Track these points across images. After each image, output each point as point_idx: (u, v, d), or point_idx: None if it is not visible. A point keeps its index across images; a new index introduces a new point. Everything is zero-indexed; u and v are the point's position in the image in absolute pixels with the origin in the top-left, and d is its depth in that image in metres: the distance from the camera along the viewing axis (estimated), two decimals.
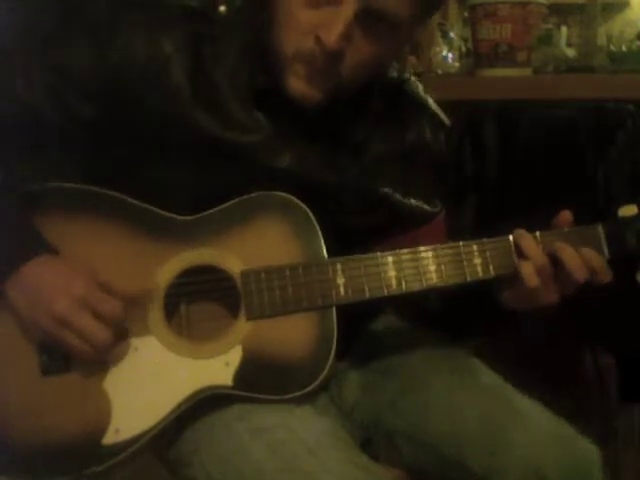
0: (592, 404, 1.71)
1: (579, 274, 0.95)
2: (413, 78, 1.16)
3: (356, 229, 1.06)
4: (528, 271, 0.95)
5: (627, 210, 1.00)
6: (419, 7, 0.94)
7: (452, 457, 1.04)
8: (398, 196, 1.11)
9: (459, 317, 1.13)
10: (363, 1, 0.89)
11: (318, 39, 0.90)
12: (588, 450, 1.03)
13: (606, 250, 0.98)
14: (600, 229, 0.99)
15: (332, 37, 0.89)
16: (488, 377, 1.10)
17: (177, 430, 0.98)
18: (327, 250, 0.98)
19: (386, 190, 1.10)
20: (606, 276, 0.96)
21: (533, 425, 1.03)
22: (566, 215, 1.00)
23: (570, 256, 0.95)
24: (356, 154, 1.07)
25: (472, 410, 1.05)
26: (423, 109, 1.14)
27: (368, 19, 0.90)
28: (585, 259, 0.96)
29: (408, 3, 0.91)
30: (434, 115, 1.15)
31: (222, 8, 1.05)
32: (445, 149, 1.16)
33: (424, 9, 0.96)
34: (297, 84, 0.95)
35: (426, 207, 1.14)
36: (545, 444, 1.01)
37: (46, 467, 0.94)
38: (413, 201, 1.13)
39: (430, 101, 1.15)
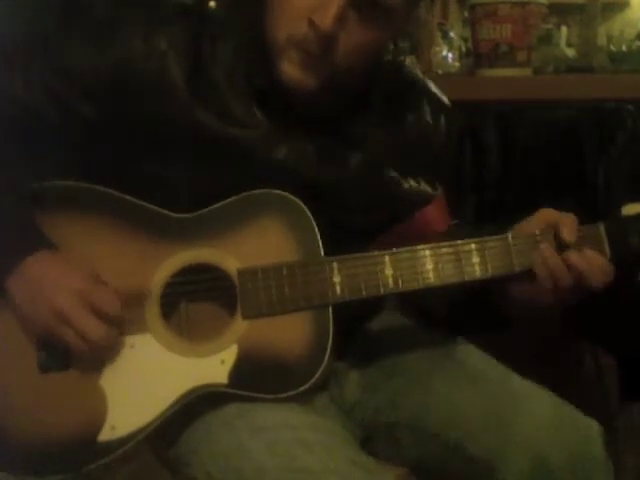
0: (592, 404, 1.70)
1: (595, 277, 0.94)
2: (409, 60, 1.15)
3: (357, 221, 1.06)
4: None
5: (631, 209, 0.98)
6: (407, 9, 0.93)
7: (454, 445, 1.03)
8: (399, 182, 1.10)
9: (461, 319, 1.13)
10: None
11: (312, 23, 0.89)
12: (589, 428, 1.02)
13: (608, 250, 0.97)
14: (602, 228, 0.97)
15: (326, 20, 0.88)
16: (486, 362, 1.10)
17: (176, 429, 0.98)
18: (327, 244, 0.98)
19: (387, 178, 1.09)
20: (607, 276, 0.95)
21: (533, 409, 1.02)
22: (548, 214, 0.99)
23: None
24: (355, 144, 1.06)
25: (472, 397, 1.05)
26: (422, 91, 1.13)
27: (362, 3, 0.89)
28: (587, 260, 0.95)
29: None
30: (434, 97, 1.14)
31: (212, 4, 1.05)
32: (446, 131, 1.15)
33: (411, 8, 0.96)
34: (291, 70, 0.94)
35: (428, 189, 1.13)
36: (545, 427, 1.00)
37: (43, 464, 0.94)
38: (414, 184, 1.12)
39: (429, 83, 1.15)
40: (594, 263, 0.94)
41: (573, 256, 0.94)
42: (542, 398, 1.04)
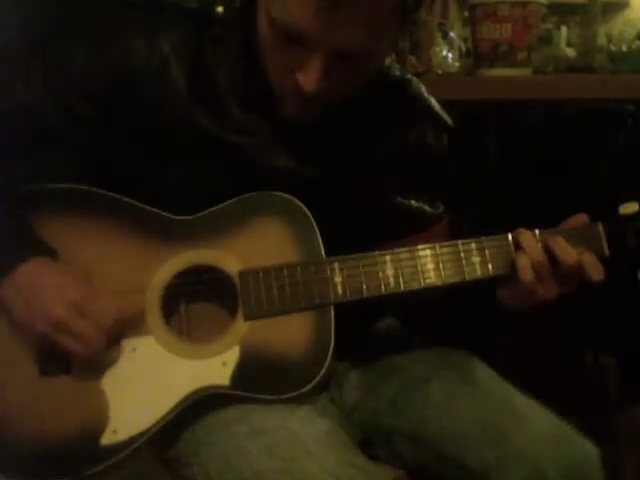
0: (592, 404, 1.70)
1: (571, 262, 0.95)
2: (416, 79, 1.15)
3: (355, 231, 1.06)
4: (524, 264, 0.95)
5: (628, 208, 0.99)
6: (391, 28, 0.91)
7: (451, 456, 1.03)
8: (399, 198, 1.11)
9: (461, 320, 1.13)
10: (332, 46, 0.87)
11: (297, 82, 0.90)
12: (587, 449, 1.03)
13: (606, 248, 0.98)
14: (600, 227, 0.98)
15: (309, 85, 0.89)
16: (487, 376, 1.10)
17: (176, 430, 0.98)
18: (327, 247, 0.98)
19: (386, 191, 1.10)
20: (597, 274, 0.96)
21: (532, 424, 1.02)
22: (582, 218, 1.00)
23: (562, 246, 0.95)
24: (356, 155, 1.07)
25: (471, 409, 1.05)
26: (426, 110, 1.14)
27: (341, 56, 0.89)
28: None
29: (377, 32, 0.89)
30: (437, 117, 1.14)
31: (220, 9, 1.05)
32: (448, 151, 1.15)
33: (397, 25, 0.92)
34: (292, 111, 0.97)
35: (428, 209, 1.14)
36: (544, 443, 1.01)
37: (44, 468, 0.94)
38: (414, 203, 1.12)
39: (433, 102, 1.15)
40: (583, 257, 0.95)
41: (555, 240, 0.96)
42: (542, 416, 1.04)
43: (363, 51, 0.89)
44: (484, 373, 1.11)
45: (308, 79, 0.89)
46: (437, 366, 1.11)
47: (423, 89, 1.15)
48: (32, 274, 0.94)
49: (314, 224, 0.98)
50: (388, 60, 1.12)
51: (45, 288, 0.93)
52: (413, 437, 1.07)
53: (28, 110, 0.99)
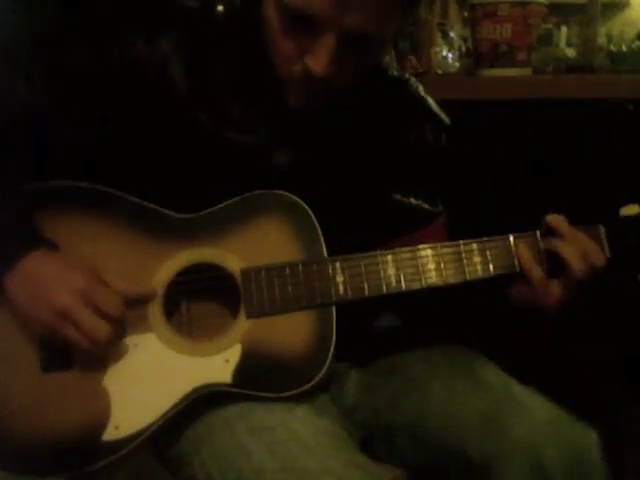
0: (592, 404, 1.70)
1: (577, 264, 0.96)
2: (414, 78, 1.16)
3: (354, 229, 1.06)
4: (528, 263, 0.97)
5: (629, 210, 1.00)
6: (398, 15, 0.93)
7: (452, 447, 1.03)
8: (398, 195, 1.11)
9: (459, 315, 1.14)
10: (342, 27, 0.88)
11: (307, 67, 0.91)
12: (586, 434, 1.03)
13: (607, 250, 0.99)
14: (602, 229, 0.99)
15: (319, 68, 0.90)
16: (487, 368, 1.10)
17: (177, 429, 0.99)
18: (328, 247, 0.98)
19: (385, 189, 1.11)
20: (599, 258, 0.97)
21: (532, 413, 1.02)
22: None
23: (567, 248, 0.96)
24: (355, 153, 1.07)
25: (471, 400, 1.05)
26: (424, 109, 1.15)
27: (350, 41, 0.90)
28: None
29: (386, 17, 0.90)
30: (435, 115, 1.15)
31: (220, 8, 1.05)
32: (446, 149, 1.16)
33: (404, 13, 0.95)
34: (297, 101, 0.97)
35: (426, 206, 1.14)
36: (544, 432, 1.00)
37: (46, 463, 0.94)
38: (413, 200, 1.13)
39: (431, 101, 1.16)
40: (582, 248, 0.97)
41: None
42: (541, 404, 1.04)
43: (371, 35, 0.90)
44: (484, 366, 1.11)
45: (318, 62, 0.90)
46: (438, 365, 1.11)
47: (421, 88, 1.16)
48: (36, 266, 0.94)
49: (316, 223, 0.98)
50: (387, 60, 1.13)
51: (50, 278, 0.94)
52: (413, 433, 1.07)
53: (28, 109, 0.99)
